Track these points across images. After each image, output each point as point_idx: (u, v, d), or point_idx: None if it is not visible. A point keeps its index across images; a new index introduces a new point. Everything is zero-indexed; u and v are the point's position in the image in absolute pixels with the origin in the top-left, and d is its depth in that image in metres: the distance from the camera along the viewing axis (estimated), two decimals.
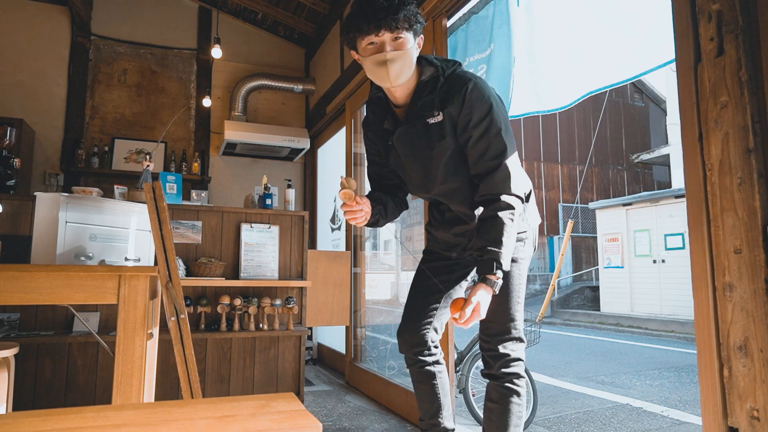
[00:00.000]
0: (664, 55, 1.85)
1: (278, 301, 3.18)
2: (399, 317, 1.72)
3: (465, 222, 1.59)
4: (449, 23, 2.77)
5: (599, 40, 2.17)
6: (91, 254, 1.75)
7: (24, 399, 2.60)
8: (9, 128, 3.00)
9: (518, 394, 1.54)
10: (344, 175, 1.40)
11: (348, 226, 3.92)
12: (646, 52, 1.93)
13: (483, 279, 1.39)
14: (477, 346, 3.07)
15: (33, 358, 2.66)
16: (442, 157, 1.49)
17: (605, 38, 2.14)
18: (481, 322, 1.49)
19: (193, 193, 3.55)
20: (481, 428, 2.74)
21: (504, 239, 1.38)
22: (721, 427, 1.26)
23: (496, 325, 1.54)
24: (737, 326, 1.22)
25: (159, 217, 1.68)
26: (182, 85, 5.20)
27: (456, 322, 1.37)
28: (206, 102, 5.00)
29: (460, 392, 2.84)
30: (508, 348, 1.54)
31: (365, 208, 1.50)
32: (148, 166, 2.98)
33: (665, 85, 12.95)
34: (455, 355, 2.87)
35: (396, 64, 1.38)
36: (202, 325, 3.09)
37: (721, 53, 1.28)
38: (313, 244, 5.08)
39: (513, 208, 1.42)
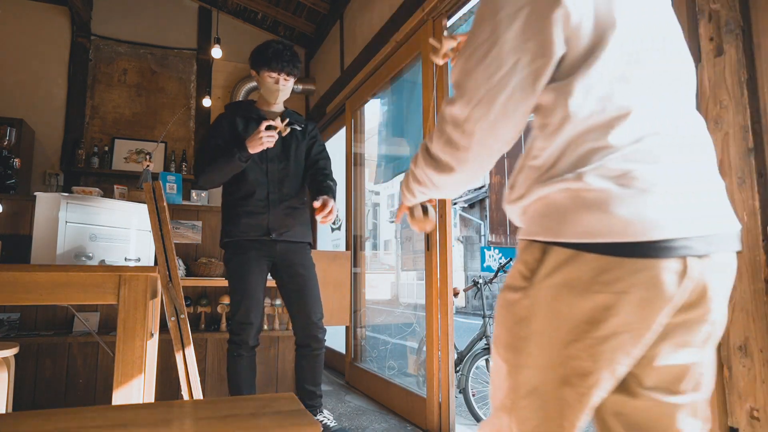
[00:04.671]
0: None
1: (278, 301, 3.18)
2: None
3: (293, 200, 2.37)
4: (449, 23, 2.77)
5: None
6: (91, 254, 1.75)
7: (24, 399, 2.60)
8: (9, 128, 3.01)
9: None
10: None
11: (348, 226, 3.92)
12: None
13: (327, 194, 2.31)
14: (477, 346, 3.07)
15: (33, 358, 2.66)
16: (300, 147, 2.45)
17: None
18: (310, 308, 2.37)
19: (193, 193, 3.55)
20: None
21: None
22: (721, 427, 1.26)
23: (320, 309, 2.44)
24: (737, 326, 1.22)
25: (159, 217, 1.68)
26: (182, 85, 5.20)
27: (323, 221, 2.23)
28: (206, 102, 5.00)
29: (460, 392, 2.84)
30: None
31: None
32: (148, 166, 2.99)
33: None
34: (455, 355, 2.86)
35: (283, 92, 2.36)
36: (202, 325, 3.09)
37: (721, 53, 1.28)
38: (313, 244, 5.07)
39: None
